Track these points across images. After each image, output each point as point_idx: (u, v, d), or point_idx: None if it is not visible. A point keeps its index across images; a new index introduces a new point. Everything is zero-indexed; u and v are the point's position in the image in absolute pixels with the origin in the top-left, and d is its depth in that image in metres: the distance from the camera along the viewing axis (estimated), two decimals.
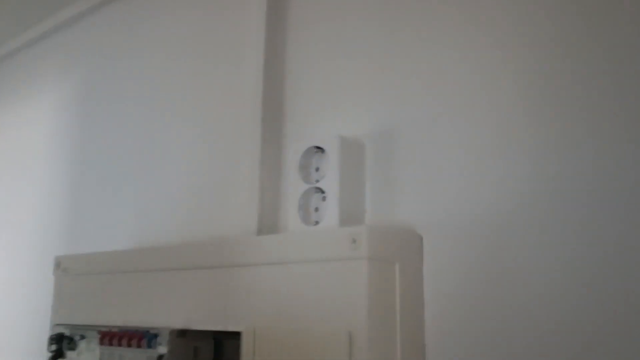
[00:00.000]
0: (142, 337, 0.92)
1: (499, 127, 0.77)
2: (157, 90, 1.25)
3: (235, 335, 0.85)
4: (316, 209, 0.89)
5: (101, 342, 0.98)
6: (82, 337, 1.03)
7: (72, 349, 1.04)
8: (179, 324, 0.90)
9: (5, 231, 1.59)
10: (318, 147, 0.89)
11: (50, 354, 1.07)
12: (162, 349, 0.89)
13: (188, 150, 1.16)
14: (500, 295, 0.73)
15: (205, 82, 1.15)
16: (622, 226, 0.66)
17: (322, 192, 0.87)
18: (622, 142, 0.67)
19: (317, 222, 0.87)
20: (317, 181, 0.88)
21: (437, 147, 0.82)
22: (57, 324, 1.09)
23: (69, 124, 1.48)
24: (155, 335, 0.90)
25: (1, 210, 1.62)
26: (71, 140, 1.45)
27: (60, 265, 1.14)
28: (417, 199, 0.83)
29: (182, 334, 0.90)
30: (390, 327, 0.74)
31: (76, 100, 1.47)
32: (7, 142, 1.69)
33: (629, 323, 0.64)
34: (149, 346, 0.91)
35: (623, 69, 0.68)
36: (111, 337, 0.97)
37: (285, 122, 1.00)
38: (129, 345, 0.94)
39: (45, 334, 1.11)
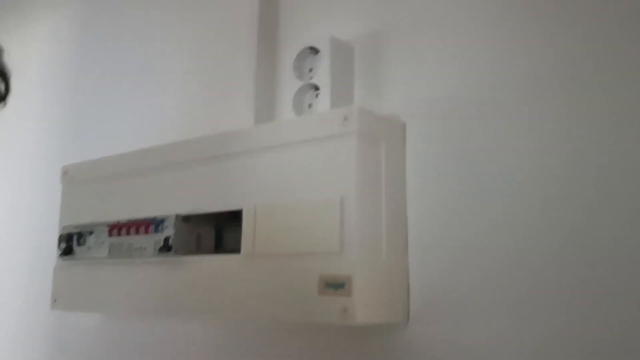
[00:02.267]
0: (150, 224, 1.00)
1: (480, 23, 0.86)
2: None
3: (235, 223, 0.93)
4: (310, 105, 0.98)
5: (110, 234, 1.07)
6: (91, 232, 1.11)
7: (82, 244, 1.12)
8: (184, 211, 0.98)
9: (10, 146, 1.67)
10: (312, 48, 0.97)
11: (60, 251, 1.15)
12: (169, 232, 0.97)
13: (188, 55, 1.24)
14: (476, 178, 0.82)
15: None
16: (600, 113, 0.75)
17: (316, 88, 0.96)
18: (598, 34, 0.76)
19: None
20: (311, 78, 0.97)
21: (420, 47, 0.91)
22: (66, 226, 1.17)
23: (69, 38, 1.55)
24: (162, 221, 0.99)
25: (6, 127, 1.70)
26: (71, 54, 1.53)
27: (67, 174, 1.22)
28: (400, 94, 0.92)
29: (186, 219, 0.99)
30: (376, 196, 0.83)
31: (76, 14, 1.54)
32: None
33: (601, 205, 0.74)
34: (156, 231, 0.99)
35: None
36: (120, 228, 1.05)
37: (281, 27, 1.08)
38: (137, 233, 1.02)
39: (55, 238, 1.18)
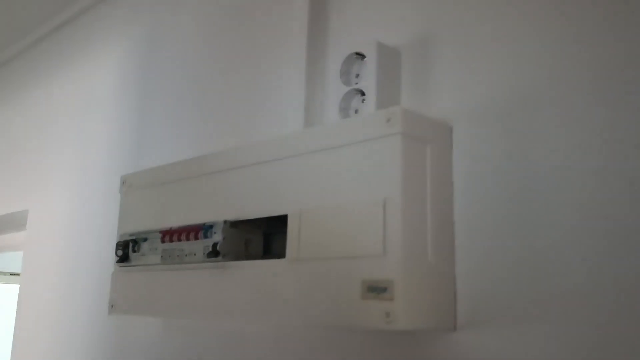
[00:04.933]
0: (199, 230, 1.02)
1: (526, 27, 0.83)
2: (212, 16, 1.37)
3: (283, 229, 0.93)
4: (356, 111, 0.97)
5: (162, 240, 1.09)
6: (145, 239, 1.14)
7: (137, 251, 1.15)
8: (232, 217, 0.99)
9: (76, 157, 1.74)
10: (358, 54, 0.97)
11: (117, 258, 1.18)
12: (217, 237, 0.98)
13: (240, 65, 1.27)
14: (524, 181, 0.80)
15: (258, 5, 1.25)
16: None
17: (362, 94, 0.95)
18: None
19: None
20: (357, 84, 0.96)
21: (466, 52, 0.89)
22: (123, 234, 1.20)
23: (133, 59, 1.61)
24: (211, 226, 1.00)
25: (73, 142, 1.78)
26: (134, 75, 1.59)
27: (126, 183, 1.25)
28: (447, 99, 0.90)
29: (235, 225, 0.99)
30: (421, 199, 0.81)
31: (140, 40, 1.60)
32: (78, 88, 1.84)
33: None
34: (205, 237, 1.01)
35: None
36: (171, 234, 1.07)
37: (329, 34, 1.09)
38: (188, 239, 1.04)
39: (113, 245, 1.22)
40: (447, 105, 0.90)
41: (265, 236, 1.03)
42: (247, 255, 1.00)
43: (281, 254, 0.93)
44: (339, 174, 0.86)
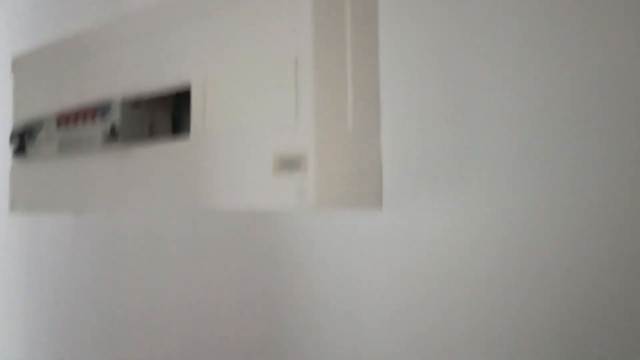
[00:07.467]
0: (96, 111, 0.89)
1: None
2: None
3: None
4: None
5: (58, 125, 0.96)
6: (40, 126, 1.00)
7: (32, 141, 1.02)
8: (132, 94, 0.86)
9: None
10: None
11: (12, 149, 1.05)
12: (115, 118, 0.86)
13: None
14: (459, 42, 0.68)
15: None
16: None
17: None
18: None
19: None
20: None
21: None
22: (18, 124, 1.06)
23: None
24: (109, 106, 0.87)
25: None
26: None
27: (17, 66, 1.10)
28: None
29: (137, 105, 0.87)
30: (340, 60, 0.69)
31: None
32: None
33: None
34: (103, 117, 0.88)
35: None
36: (67, 118, 0.94)
37: None
38: (85, 122, 0.91)
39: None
40: None
41: (175, 117, 0.91)
42: (153, 138, 0.88)
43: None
44: (242, 36, 0.73)
